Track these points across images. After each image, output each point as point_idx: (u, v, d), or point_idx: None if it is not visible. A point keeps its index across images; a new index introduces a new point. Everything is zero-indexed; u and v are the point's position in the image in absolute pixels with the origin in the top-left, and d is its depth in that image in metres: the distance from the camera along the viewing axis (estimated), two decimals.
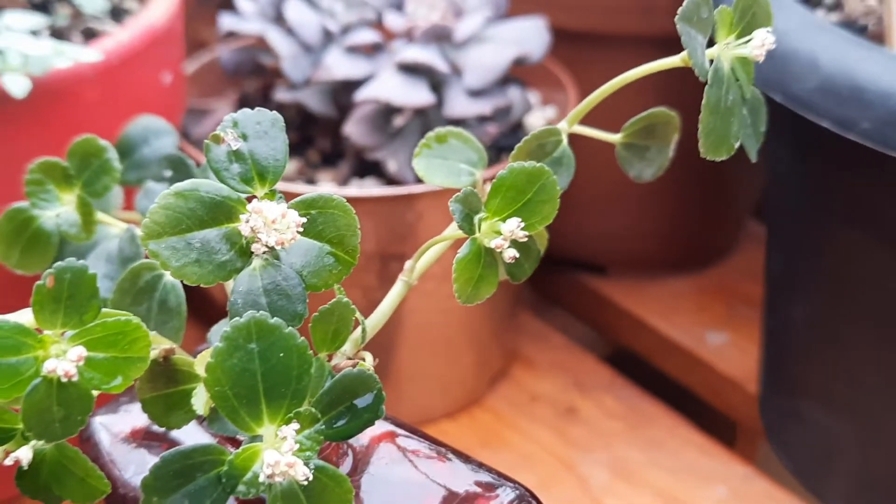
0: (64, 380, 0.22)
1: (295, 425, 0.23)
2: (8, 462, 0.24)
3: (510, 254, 0.28)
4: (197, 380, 0.27)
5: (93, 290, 0.22)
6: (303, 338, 0.24)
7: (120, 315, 0.22)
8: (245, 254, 0.26)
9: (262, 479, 0.23)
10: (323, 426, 0.24)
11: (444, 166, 0.32)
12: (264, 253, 0.26)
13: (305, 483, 0.24)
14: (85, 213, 0.31)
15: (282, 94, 0.53)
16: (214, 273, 0.25)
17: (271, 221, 0.25)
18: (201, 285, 0.25)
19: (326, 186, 0.50)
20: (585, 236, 0.65)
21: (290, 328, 0.24)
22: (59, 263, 0.22)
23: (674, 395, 0.60)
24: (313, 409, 0.24)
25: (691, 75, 0.30)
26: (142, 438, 0.31)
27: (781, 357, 0.51)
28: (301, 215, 0.26)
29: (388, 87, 0.49)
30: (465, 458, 0.30)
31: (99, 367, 0.22)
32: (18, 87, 0.38)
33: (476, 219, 0.28)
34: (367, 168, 0.52)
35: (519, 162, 0.29)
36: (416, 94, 0.49)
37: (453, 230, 0.31)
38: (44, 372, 0.21)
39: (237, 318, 0.23)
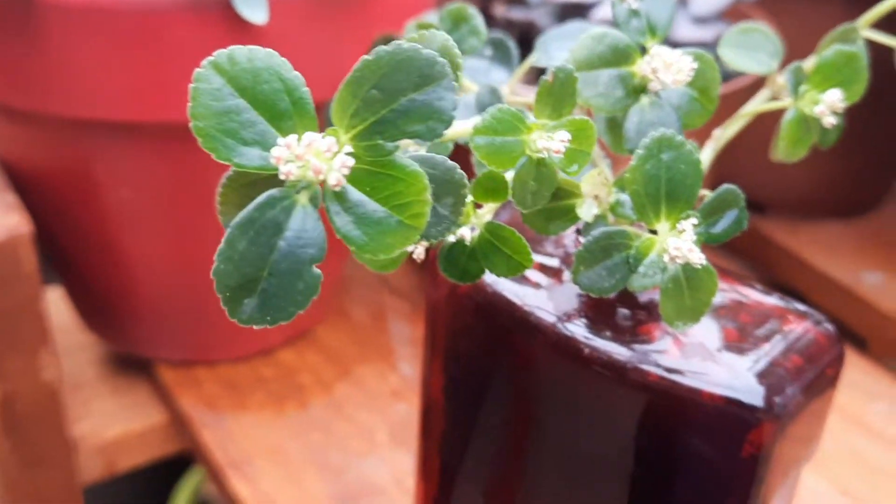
0: (554, 157, 0.28)
1: (694, 220, 0.29)
2: (451, 239, 0.30)
3: (830, 120, 0.34)
4: (577, 196, 0.32)
5: (574, 89, 0.28)
6: (698, 155, 0.30)
7: (583, 116, 0.28)
8: (635, 93, 0.32)
9: (665, 259, 0.29)
10: (703, 229, 0.30)
11: (748, 55, 0.38)
12: (654, 93, 0.31)
13: (698, 268, 0.29)
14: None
15: (515, 13, 0.59)
16: (613, 105, 0.31)
17: (669, 63, 0.31)
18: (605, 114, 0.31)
19: None
20: (748, 176, 0.70)
21: (692, 145, 0.30)
22: (556, 65, 0.28)
23: None
24: (698, 214, 0.30)
25: None
26: None
27: None
28: None
29: None
30: (775, 292, 0.36)
31: (564, 154, 0.28)
32: None
33: (801, 89, 0.34)
34: None
35: (838, 45, 0.34)
36: None
37: (759, 104, 0.36)
38: (537, 147, 0.27)
39: (653, 133, 0.29)
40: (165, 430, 0.58)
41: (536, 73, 0.49)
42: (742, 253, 0.74)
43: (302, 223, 0.24)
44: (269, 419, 0.56)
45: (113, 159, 0.49)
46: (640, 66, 0.31)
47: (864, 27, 0.38)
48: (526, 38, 0.60)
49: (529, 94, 0.46)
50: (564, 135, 0.27)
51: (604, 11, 0.55)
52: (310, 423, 0.56)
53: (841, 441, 0.55)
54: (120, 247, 0.53)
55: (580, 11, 0.57)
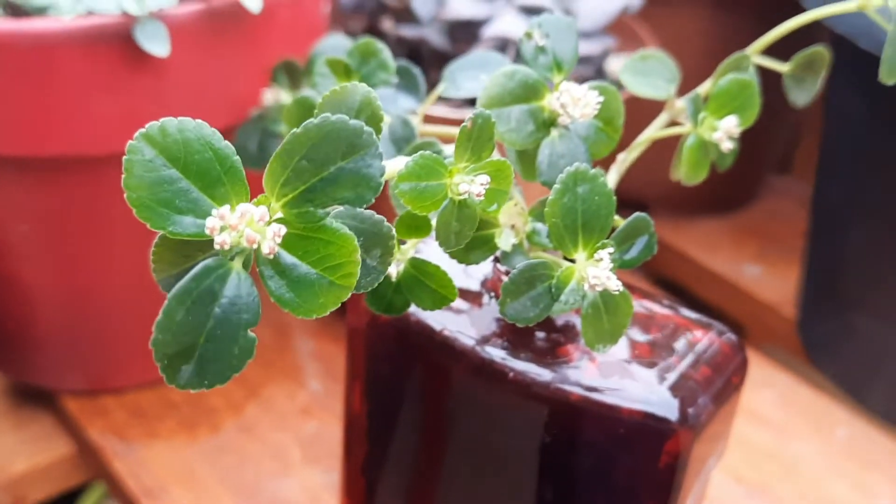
0: (476, 199, 0.29)
1: (610, 249, 0.31)
2: None
3: (727, 145, 0.36)
4: (495, 226, 0.34)
5: (492, 134, 0.29)
6: (610, 187, 0.31)
7: (500, 157, 0.30)
8: (545, 126, 0.33)
9: (585, 288, 0.31)
10: (617, 255, 0.32)
11: (646, 81, 0.39)
12: (563, 126, 0.33)
13: (615, 293, 0.31)
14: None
15: (406, 30, 0.60)
16: (525, 139, 0.33)
17: (577, 99, 0.32)
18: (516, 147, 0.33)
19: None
20: (632, 177, 0.73)
21: (604, 177, 0.31)
22: (476, 110, 0.29)
23: None
24: (612, 243, 0.32)
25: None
26: None
27: (831, 278, 0.60)
28: None
29: (513, 25, 0.56)
30: (681, 306, 0.38)
31: (484, 195, 0.29)
32: (255, 4, 0.44)
33: (700, 116, 0.36)
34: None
35: (735, 74, 0.36)
36: None
37: (659, 128, 0.38)
38: (459, 191, 0.28)
39: (569, 167, 0.31)
40: (74, 461, 0.57)
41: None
42: None
43: (237, 289, 0.24)
44: (182, 445, 0.56)
45: (9, 194, 0.48)
46: (550, 102, 0.33)
47: (755, 54, 0.40)
48: (416, 54, 0.61)
49: (438, 111, 0.47)
50: (485, 178, 0.29)
51: (494, 27, 0.57)
52: (222, 446, 0.56)
53: (733, 431, 0.58)
54: (17, 279, 0.52)
55: (471, 28, 0.58)
